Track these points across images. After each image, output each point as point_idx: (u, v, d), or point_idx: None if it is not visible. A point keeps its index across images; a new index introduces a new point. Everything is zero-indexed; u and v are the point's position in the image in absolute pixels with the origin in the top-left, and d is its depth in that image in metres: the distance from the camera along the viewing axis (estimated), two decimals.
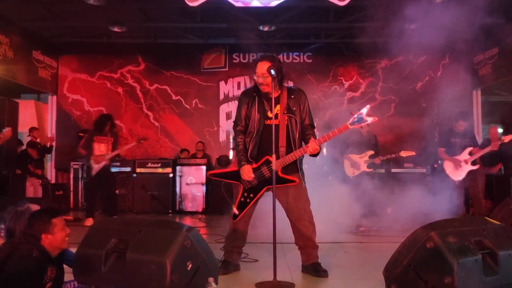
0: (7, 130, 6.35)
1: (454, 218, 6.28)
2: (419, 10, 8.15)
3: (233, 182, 3.99)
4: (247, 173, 3.83)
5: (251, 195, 3.91)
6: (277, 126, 3.76)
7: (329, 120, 9.71)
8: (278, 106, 3.85)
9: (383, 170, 8.66)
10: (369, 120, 3.71)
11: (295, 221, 3.91)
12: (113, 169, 9.15)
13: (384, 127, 10.10)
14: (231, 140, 10.17)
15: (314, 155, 3.83)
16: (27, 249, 2.65)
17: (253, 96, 3.95)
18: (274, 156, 3.61)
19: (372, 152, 7.66)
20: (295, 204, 3.89)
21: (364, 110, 3.70)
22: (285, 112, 3.88)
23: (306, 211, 3.91)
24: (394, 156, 7.63)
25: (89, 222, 7.33)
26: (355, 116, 3.73)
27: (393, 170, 8.73)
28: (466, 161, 6.80)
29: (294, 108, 3.91)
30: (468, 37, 9.71)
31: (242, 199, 3.91)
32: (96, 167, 7.36)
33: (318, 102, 10.63)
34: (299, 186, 3.90)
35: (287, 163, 3.82)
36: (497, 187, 7.86)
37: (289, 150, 3.85)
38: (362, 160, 7.64)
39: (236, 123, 4.02)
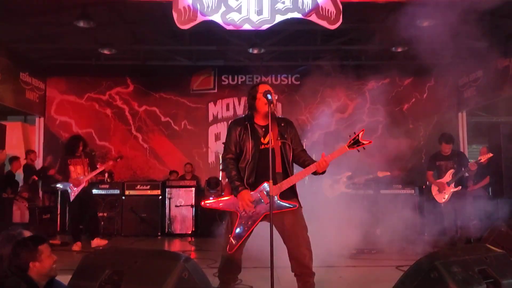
0: (1, 152, 6.30)
1: (456, 246, 6.37)
2: (405, 34, 8.30)
3: (229, 210, 3.94)
4: (247, 198, 3.79)
5: (249, 223, 3.84)
6: (272, 150, 3.76)
7: (317, 142, 9.77)
8: (269, 134, 3.86)
9: (371, 191, 8.70)
10: (365, 143, 3.77)
11: (292, 248, 3.86)
12: (101, 192, 9.14)
13: (372, 148, 10.11)
14: (221, 161, 10.15)
15: (321, 173, 3.83)
16: (14, 282, 2.60)
17: (244, 124, 3.95)
18: (271, 182, 3.60)
19: (349, 173, 7.73)
20: (293, 230, 3.84)
21: (360, 134, 3.77)
22: (278, 138, 3.91)
23: (304, 238, 3.86)
24: (371, 176, 7.73)
25: (77, 246, 7.25)
26: (352, 138, 3.78)
27: (382, 192, 8.77)
28: (448, 183, 6.91)
29: (286, 136, 3.95)
30: (452, 60, 9.93)
31: (240, 228, 3.84)
32: (75, 190, 7.29)
33: (306, 123, 10.70)
34: (297, 212, 3.86)
35: (286, 188, 3.82)
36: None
37: (285, 175, 3.86)
38: (340, 181, 7.71)
39: (226, 151, 3.96)
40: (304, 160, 3.96)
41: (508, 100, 9.08)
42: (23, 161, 9.33)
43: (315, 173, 3.83)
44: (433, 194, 7.11)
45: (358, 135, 3.78)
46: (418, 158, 10.27)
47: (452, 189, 6.90)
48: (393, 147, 9.95)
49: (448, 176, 6.97)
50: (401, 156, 9.61)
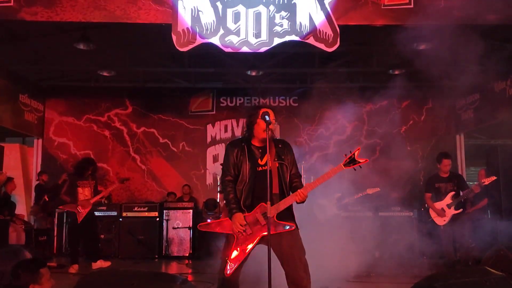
0: (1, 174, 6.30)
1: (455, 268, 6.31)
2: (402, 56, 8.39)
3: (225, 233, 3.92)
4: (239, 221, 3.78)
5: (246, 245, 3.82)
6: (270, 172, 3.76)
7: (315, 163, 9.78)
8: (266, 155, 3.86)
9: (370, 214, 8.68)
10: (361, 161, 3.75)
11: (289, 271, 3.81)
12: (99, 213, 9.07)
13: (370, 170, 10.15)
14: (218, 183, 10.12)
15: (302, 202, 3.83)
16: None
17: (241, 146, 3.96)
18: (269, 203, 3.60)
19: (339, 194, 7.72)
20: (290, 252, 3.81)
21: (356, 152, 3.75)
22: (276, 159, 3.91)
23: (302, 261, 3.83)
24: (361, 194, 7.72)
25: (74, 269, 7.18)
26: (348, 157, 3.77)
27: (381, 214, 8.75)
28: (449, 206, 6.86)
29: (283, 157, 3.95)
30: (450, 83, 10.00)
31: (237, 250, 3.82)
32: (83, 212, 7.27)
33: (304, 145, 10.72)
34: (294, 233, 3.84)
35: (282, 209, 3.80)
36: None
37: (282, 196, 3.85)
38: (331, 203, 7.69)
39: (225, 173, 3.96)
40: (294, 182, 3.98)
41: (505, 122, 9.11)
42: (18, 182, 9.31)
43: (297, 201, 3.82)
44: (432, 216, 7.04)
45: (354, 154, 3.76)
46: (417, 180, 10.25)
47: (452, 212, 6.85)
48: (391, 169, 9.97)
49: (448, 199, 6.91)
50: (399, 178, 9.61)
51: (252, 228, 3.80)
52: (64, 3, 6.24)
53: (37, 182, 9.55)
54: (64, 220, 9.40)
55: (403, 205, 8.99)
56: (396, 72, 9.45)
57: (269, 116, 3.76)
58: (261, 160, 3.88)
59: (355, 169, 3.84)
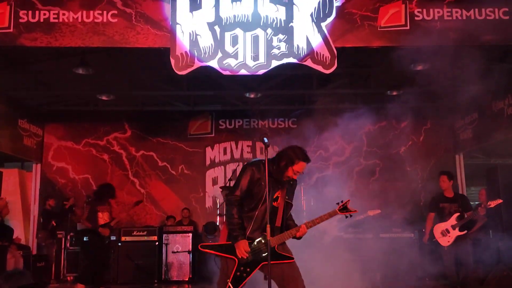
0: (0, 199, 6.28)
1: None
2: (399, 77, 8.45)
3: (227, 256, 3.91)
4: (244, 248, 3.81)
5: (248, 270, 3.85)
6: (277, 208, 3.94)
7: (315, 185, 9.75)
8: (279, 191, 3.95)
9: (371, 235, 8.62)
10: (352, 211, 4.10)
11: None
12: None
13: (370, 191, 10.14)
14: (218, 206, 10.07)
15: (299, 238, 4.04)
16: None
17: (264, 174, 3.82)
18: (268, 228, 3.70)
19: (339, 216, 7.68)
20: (290, 281, 3.86)
21: (347, 203, 4.08)
22: (286, 198, 4.02)
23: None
24: (362, 216, 7.69)
25: None
26: (341, 205, 4.09)
27: (382, 235, 8.68)
28: (453, 227, 6.78)
29: (290, 195, 4.08)
30: (448, 103, 10.04)
31: (238, 274, 3.83)
32: (105, 237, 7.38)
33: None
34: (293, 264, 3.94)
35: (283, 241, 3.92)
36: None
37: (281, 230, 3.97)
38: (332, 226, 7.65)
39: (234, 191, 3.89)
40: (287, 219, 4.12)
41: (505, 142, 9.11)
42: (16, 207, 9.28)
43: (294, 237, 3.99)
44: (436, 237, 6.96)
45: (345, 203, 4.09)
46: (417, 201, 10.19)
47: (457, 233, 6.77)
48: (391, 190, 9.94)
49: (453, 220, 6.83)
50: (399, 199, 9.57)
51: (253, 255, 3.86)
52: (63, 28, 6.28)
53: (44, 207, 9.51)
54: (62, 246, 9.31)
55: (404, 226, 8.92)
56: (394, 93, 9.48)
57: (267, 139, 3.80)
58: (274, 195, 3.96)
59: (346, 217, 4.13)
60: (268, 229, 3.68)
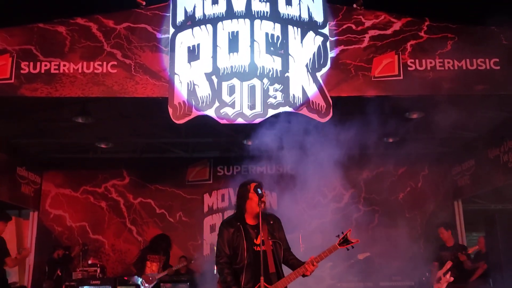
0: (25, 250, 6.29)
1: None
2: (395, 125, 8.54)
3: None
4: None
5: None
6: (265, 251, 3.79)
7: (314, 231, 9.67)
8: (259, 235, 3.88)
9: (371, 284, 8.50)
10: (353, 241, 3.93)
11: None
12: None
13: (369, 237, 10.05)
14: (215, 265, 9.94)
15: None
16: None
17: (237, 226, 3.96)
18: (262, 279, 3.64)
19: (330, 263, 7.66)
20: None
21: (348, 233, 3.93)
22: (269, 237, 3.93)
23: None
24: (352, 261, 7.64)
25: None
26: (341, 238, 3.93)
27: (381, 284, 8.56)
28: (444, 274, 6.83)
29: (275, 234, 3.98)
30: (444, 150, 10.12)
31: None
32: (146, 287, 7.26)
33: (302, 213, 10.61)
34: None
35: (285, 285, 3.84)
36: None
37: (278, 274, 3.90)
38: (324, 273, 7.61)
39: (220, 256, 3.95)
40: (290, 259, 4.01)
41: (503, 188, 9.12)
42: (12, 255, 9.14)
43: (303, 275, 3.84)
44: (433, 285, 7.00)
45: (346, 235, 3.94)
46: (417, 248, 10.08)
47: (447, 279, 6.80)
48: (390, 236, 9.87)
49: (446, 267, 6.88)
50: (399, 245, 9.48)
51: None
52: (64, 79, 6.41)
53: (51, 256, 9.42)
54: None
55: (404, 275, 8.80)
56: (390, 140, 9.55)
57: (261, 189, 3.80)
58: (256, 239, 3.91)
59: (347, 249, 3.94)
60: (262, 281, 3.63)
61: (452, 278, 6.84)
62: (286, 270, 4.04)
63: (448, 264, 6.90)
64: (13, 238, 11.01)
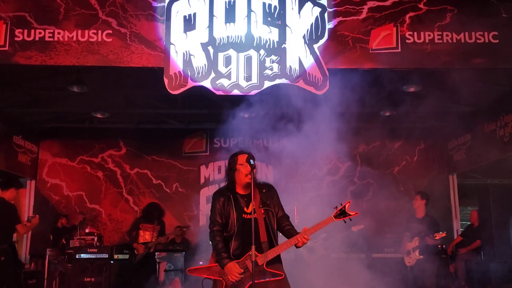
0: (35, 218, 6.35)
1: None
2: (392, 99, 8.52)
3: (214, 278, 3.92)
4: (236, 270, 3.80)
5: None
6: (256, 220, 3.79)
7: (308, 203, 9.73)
8: (251, 203, 3.88)
9: (364, 255, 8.60)
10: (352, 213, 3.88)
11: None
12: (89, 256, 8.90)
13: (364, 211, 10.08)
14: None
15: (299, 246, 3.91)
16: None
17: (227, 195, 4.01)
18: (253, 248, 3.65)
19: (324, 234, 7.73)
20: None
21: (347, 205, 3.88)
22: (261, 206, 3.94)
23: None
24: (346, 233, 7.73)
25: None
26: (338, 210, 3.89)
27: (374, 256, 8.67)
28: (413, 249, 6.89)
29: (268, 202, 3.98)
30: (441, 124, 10.10)
31: None
32: (139, 255, 7.34)
33: (297, 186, 10.68)
34: (283, 281, 3.88)
35: (270, 258, 3.83)
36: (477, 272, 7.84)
37: (270, 243, 3.91)
38: (318, 244, 7.67)
39: (213, 223, 4.01)
40: (285, 226, 4.00)
41: (498, 163, 9.16)
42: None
43: (295, 246, 3.86)
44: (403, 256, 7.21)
45: (344, 206, 3.89)
46: (410, 221, 10.17)
47: (416, 256, 6.87)
48: (384, 209, 9.94)
49: (414, 242, 6.97)
50: (392, 218, 9.57)
51: (242, 275, 3.84)
52: (58, 47, 6.33)
53: (55, 225, 9.47)
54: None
55: (397, 246, 8.90)
56: (387, 114, 9.54)
57: (253, 159, 3.81)
58: (247, 208, 3.93)
59: (345, 221, 3.91)
60: (253, 249, 3.65)
61: (421, 256, 6.90)
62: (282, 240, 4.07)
63: (416, 241, 6.95)
64: None
